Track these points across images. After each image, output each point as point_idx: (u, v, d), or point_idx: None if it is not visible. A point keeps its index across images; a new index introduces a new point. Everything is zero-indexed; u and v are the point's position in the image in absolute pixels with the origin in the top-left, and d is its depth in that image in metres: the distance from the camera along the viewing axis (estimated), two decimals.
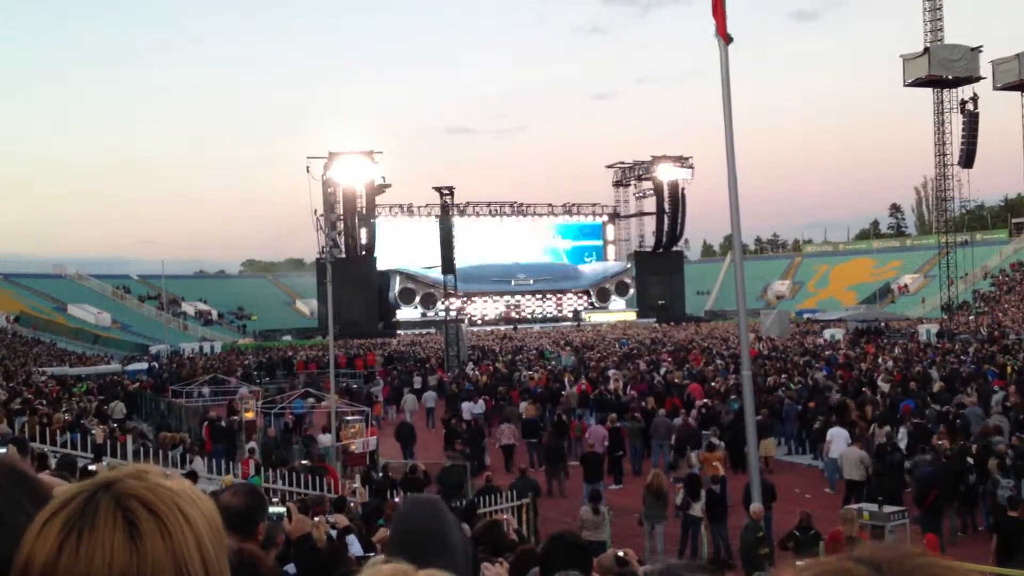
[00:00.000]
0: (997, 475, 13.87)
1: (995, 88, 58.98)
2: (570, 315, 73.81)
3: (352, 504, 11.42)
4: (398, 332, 64.45)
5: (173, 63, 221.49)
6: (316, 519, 5.97)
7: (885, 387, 23.52)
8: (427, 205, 70.01)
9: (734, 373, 26.73)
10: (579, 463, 18.19)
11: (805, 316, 66.60)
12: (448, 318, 43.34)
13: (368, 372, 39.41)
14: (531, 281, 74.19)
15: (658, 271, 76.06)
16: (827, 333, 48.27)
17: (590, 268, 79.14)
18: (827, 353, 36.29)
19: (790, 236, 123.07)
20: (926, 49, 53.32)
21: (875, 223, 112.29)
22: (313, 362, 42.40)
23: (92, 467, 8.45)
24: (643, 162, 77.73)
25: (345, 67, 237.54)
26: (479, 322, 70.04)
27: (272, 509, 3.81)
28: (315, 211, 59.32)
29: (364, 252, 65.62)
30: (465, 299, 66.41)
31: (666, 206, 75.43)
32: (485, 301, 73.28)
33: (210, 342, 61.67)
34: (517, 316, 72.56)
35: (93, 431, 17.43)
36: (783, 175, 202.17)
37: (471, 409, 25.18)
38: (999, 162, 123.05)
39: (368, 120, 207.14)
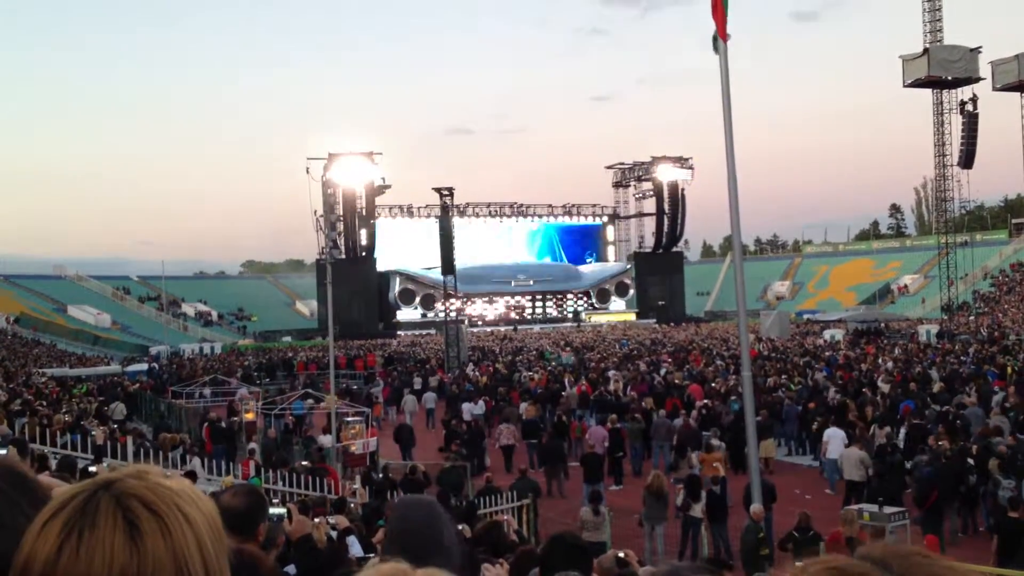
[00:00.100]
0: (998, 476, 13.87)
1: (994, 89, 58.99)
2: (570, 316, 73.82)
3: (352, 505, 11.41)
4: (398, 333, 64.46)
5: (173, 63, 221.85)
6: (316, 520, 5.97)
7: (885, 388, 23.51)
8: (427, 206, 69.98)
9: (734, 374, 26.73)
10: (579, 464, 18.19)
11: (805, 317, 66.60)
12: (448, 319, 43.33)
13: (368, 373, 39.41)
14: (531, 282, 74.19)
15: (658, 272, 76.06)
16: (827, 334, 48.27)
17: (590, 269, 79.13)
18: (827, 354, 36.28)
19: (790, 237, 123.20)
20: (925, 50, 53.32)
21: (875, 224, 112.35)
22: (313, 363, 42.40)
23: (92, 468, 8.44)
24: (643, 163, 77.74)
25: (345, 68, 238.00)
26: (479, 323, 70.03)
27: (272, 510, 3.81)
28: (315, 212, 59.37)
29: (364, 253, 65.65)
30: (465, 300, 66.40)
31: (666, 207, 75.45)
32: (485, 302, 73.27)
33: (210, 343, 61.69)
34: (517, 317, 72.54)
35: (93, 432, 17.44)
36: (783, 176, 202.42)
37: (471, 410, 25.17)
38: (999, 163, 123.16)
39: (368, 121, 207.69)
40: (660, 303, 74.95)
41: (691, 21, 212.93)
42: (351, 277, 58.30)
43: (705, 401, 23.14)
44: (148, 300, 74.67)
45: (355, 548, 6.67)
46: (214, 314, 77.29)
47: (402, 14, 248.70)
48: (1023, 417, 17.74)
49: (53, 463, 9.88)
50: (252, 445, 19.78)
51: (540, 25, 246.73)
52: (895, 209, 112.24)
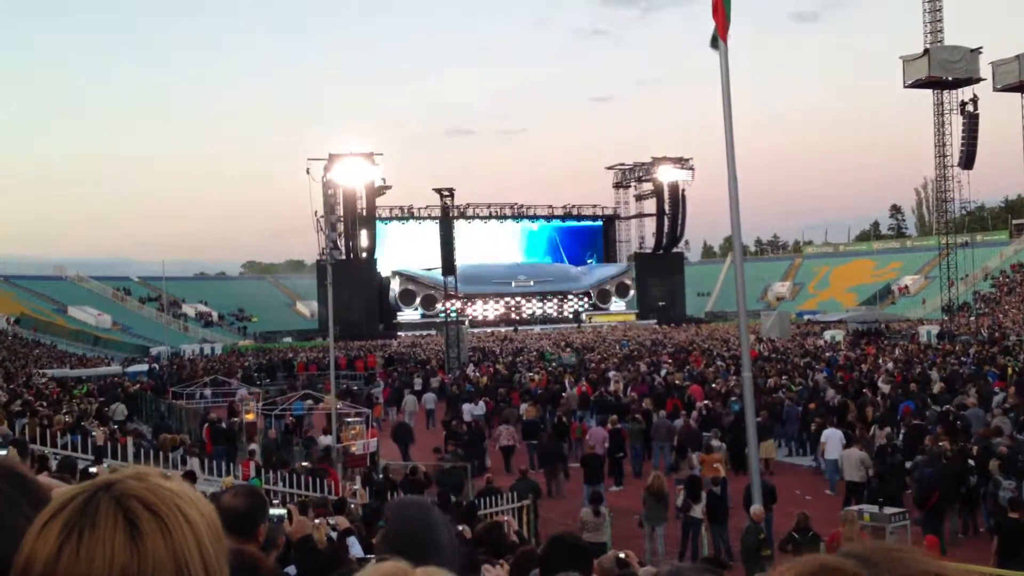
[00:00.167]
0: (998, 476, 13.86)
1: (995, 89, 58.94)
2: (570, 316, 73.82)
3: (352, 506, 11.41)
4: (398, 334, 64.48)
5: (173, 63, 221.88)
6: (316, 521, 5.97)
7: (886, 388, 23.52)
8: (427, 207, 69.99)
9: (735, 375, 26.73)
10: (580, 465, 18.19)
11: (805, 317, 66.61)
12: (448, 320, 43.34)
13: (369, 374, 39.41)
14: (531, 283, 74.19)
15: (658, 272, 76.06)
16: (827, 334, 48.28)
17: (590, 270, 79.14)
18: (827, 354, 36.30)
19: (790, 237, 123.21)
20: (926, 50, 53.28)
21: (875, 224, 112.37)
22: (313, 364, 42.41)
23: (93, 469, 8.45)
24: (643, 164, 77.74)
25: (345, 68, 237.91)
26: (480, 323, 70.04)
27: (273, 511, 3.81)
28: (315, 213, 59.20)
29: (365, 254, 65.67)
30: (466, 301, 66.43)
31: (666, 207, 75.46)
32: (486, 303, 73.28)
33: (210, 344, 61.71)
34: (517, 318, 72.56)
35: (94, 433, 17.44)
36: (783, 176, 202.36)
37: (472, 411, 25.17)
38: (999, 163, 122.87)
39: (368, 121, 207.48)
40: (660, 304, 74.95)
41: (691, 22, 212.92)
42: (352, 278, 58.31)
43: (705, 402, 23.14)
44: (148, 301, 74.70)
45: (355, 549, 6.67)
46: (214, 315, 77.32)
47: (402, 14, 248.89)
48: (1023, 418, 17.75)
49: (53, 464, 9.89)
50: (253, 446, 19.79)
51: (540, 26, 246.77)
52: (896, 210, 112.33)
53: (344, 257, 61.70)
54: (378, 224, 67.93)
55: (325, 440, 20.37)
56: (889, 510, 12.63)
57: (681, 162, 74.41)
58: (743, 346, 11.85)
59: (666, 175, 74.28)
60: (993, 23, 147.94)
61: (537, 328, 68.61)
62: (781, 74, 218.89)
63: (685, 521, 13.87)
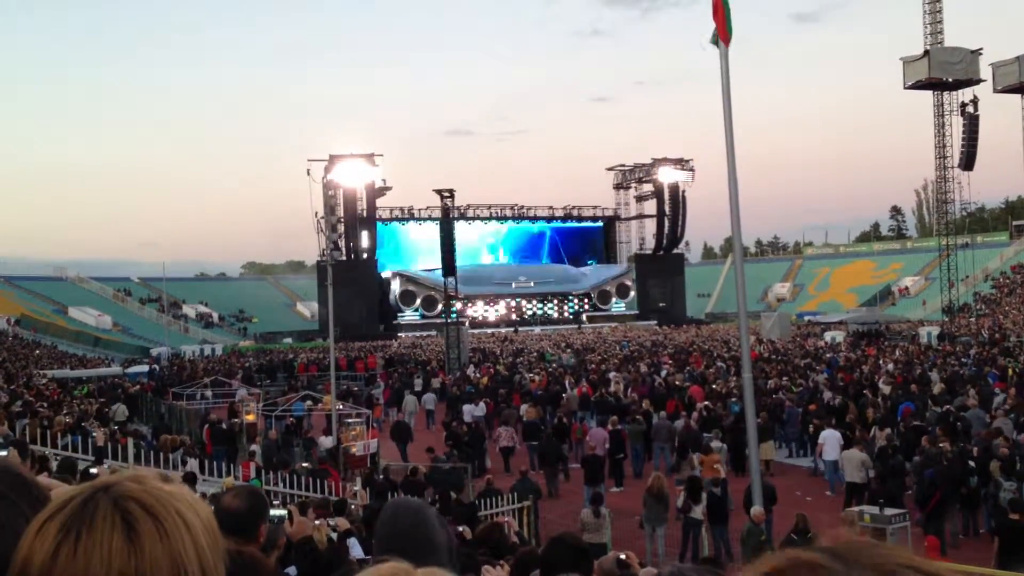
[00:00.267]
0: (999, 478, 13.86)
1: (995, 91, 58.95)
2: (571, 317, 73.80)
3: (353, 507, 11.41)
4: (399, 334, 64.48)
5: (174, 65, 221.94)
6: (317, 522, 5.96)
7: (886, 390, 23.51)
8: (428, 207, 70.00)
9: (735, 375, 26.72)
10: (580, 466, 18.19)
11: (806, 318, 66.62)
12: (449, 321, 43.35)
13: (369, 375, 39.41)
14: (532, 284, 74.16)
15: (659, 273, 76.06)
16: (828, 336, 48.29)
17: (591, 271, 79.11)
18: (828, 356, 36.29)
19: (791, 238, 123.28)
20: (926, 52, 53.29)
21: (875, 225, 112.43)
22: (314, 364, 42.42)
23: (93, 470, 8.44)
24: (643, 165, 77.72)
25: (346, 69, 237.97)
26: (480, 324, 70.04)
27: (273, 512, 3.80)
28: (315, 213, 58.90)
29: (365, 255, 65.69)
30: (466, 302, 66.42)
31: (666, 208, 75.46)
32: (486, 304, 73.28)
33: (211, 344, 61.74)
34: (518, 318, 72.56)
35: (94, 434, 17.46)
36: (783, 177, 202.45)
37: (472, 412, 25.17)
38: (999, 164, 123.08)
39: (369, 122, 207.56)
40: (661, 305, 74.95)
41: (691, 23, 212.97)
42: (352, 279, 58.32)
43: (706, 403, 23.13)
44: (149, 302, 74.72)
45: (356, 550, 6.66)
46: (215, 316, 77.35)
47: (402, 15, 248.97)
48: (1023, 419, 17.74)
49: (54, 464, 9.88)
50: (253, 447, 19.80)
51: (540, 27, 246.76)
52: (896, 211, 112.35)
53: (344, 258, 61.74)
54: (378, 225, 67.95)
55: (326, 441, 20.37)
56: (890, 511, 12.63)
57: (681, 163, 74.40)
58: (743, 347, 11.86)
59: (666, 176, 74.27)
60: (993, 24, 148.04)
61: (537, 329, 68.62)
62: (781, 75, 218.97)
63: (685, 522, 13.87)
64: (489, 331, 66.58)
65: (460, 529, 7.61)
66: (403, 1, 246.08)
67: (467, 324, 57.61)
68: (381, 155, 64.48)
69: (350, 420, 21.33)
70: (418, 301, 69.31)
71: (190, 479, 11.60)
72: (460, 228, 62.13)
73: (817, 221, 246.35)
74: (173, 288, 74.26)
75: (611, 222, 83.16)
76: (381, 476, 17.00)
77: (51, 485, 1.82)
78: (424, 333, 63.87)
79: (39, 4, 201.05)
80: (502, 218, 78.54)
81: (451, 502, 12.44)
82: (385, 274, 69.79)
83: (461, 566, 4.05)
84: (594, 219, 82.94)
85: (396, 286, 69.62)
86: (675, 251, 78.63)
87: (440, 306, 59.25)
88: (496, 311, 73.76)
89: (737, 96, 10.95)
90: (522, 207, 79.07)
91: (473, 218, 75.71)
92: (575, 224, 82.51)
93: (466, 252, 68.26)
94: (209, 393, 32.94)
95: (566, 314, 74.56)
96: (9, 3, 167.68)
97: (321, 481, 14.62)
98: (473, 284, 67.72)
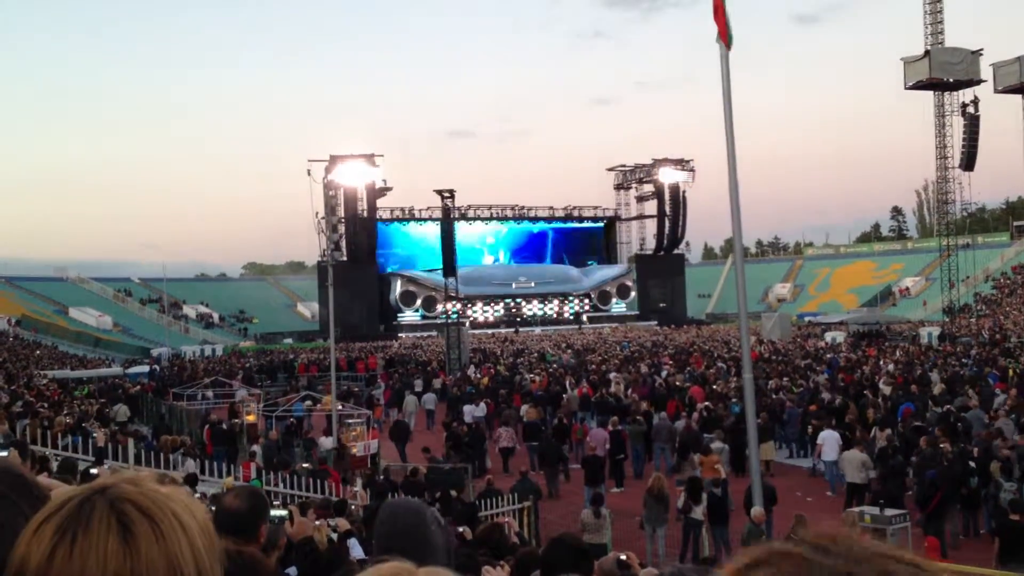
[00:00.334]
0: (999, 478, 13.85)
1: (996, 91, 58.96)
2: (571, 318, 73.79)
3: (354, 507, 11.41)
4: (399, 335, 64.49)
5: (174, 65, 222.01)
6: (317, 522, 5.96)
7: (886, 390, 23.50)
8: (428, 208, 70.01)
9: (735, 376, 26.72)
10: (580, 466, 18.18)
11: (806, 319, 66.56)
12: (449, 321, 43.33)
13: (369, 375, 39.42)
14: (532, 284, 74.13)
15: (659, 274, 76.05)
16: (828, 336, 48.25)
17: (591, 271, 79.11)
18: (828, 356, 36.27)
19: (791, 239, 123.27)
20: (927, 52, 53.29)
21: (876, 226, 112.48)
22: (314, 365, 42.41)
23: (94, 470, 8.44)
24: (644, 165, 77.71)
25: (346, 69, 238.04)
26: (480, 325, 70.03)
27: (274, 512, 3.80)
28: (316, 214, 58.96)
29: (366, 255, 65.70)
30: (466, 302, 66.39)
31: (667, 209, 75.45)
32: (486, 304, 73.25)
33: (211, 345, 61.72)
34: (518, 319, 72.54)
35: (95, 434, 17.45)
36: (784, 178, 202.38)
37: (472, 412, 25.16)
38: (1000, 165, 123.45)
39: (369, 123, 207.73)
40: (661, 305, 74.93)
41: (692, 24, 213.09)
42: (352, 279, 58.31)
43: (706, 403, 23.12)
44: (149, 302, 74.73)
45: (356, 550, 6.66)
46: (215, 316, 77.33)
47: (403, 15, 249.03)
48: None
49: (54, 465, 9.88)
50: (254, 447, 19.79)
51: (541, 28, 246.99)
52: (896, 211, 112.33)
53: (345, 258, 61.72)
54: (379, 225, 67.96)
55: (326, 442, 20.37)
56: (890, 512, 12.62)
57: (682, 164, 74.39)
58: (744, 348, 11.85)
59: (667, 176, 74.27)
60: (994, 25, 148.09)
61: (538, 329, 68.60)
62: (782, 76, 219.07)
63: (686, 523, 13.86)
64: (489, 331, 66.55)
65: (460, 529, 7.61)
66: (404, 2, 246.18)
67: (467, 324, 57.60)
68: (382, 155, 64.52)
69: (350, 421, 21.33)
70: (418, 301, 69.31)
71: (191, 480, 11.60)
72: (460, 228, 62.40)
73: (817, 221, 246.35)
74: (173, 288, 74.27)
75: (611, 222, 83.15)
76: (382, 477, 17.01)
77: (51, 485, 1.82)
78: (424, 334, 63.85)
79: (39, 4, 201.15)
80: (503, 218, 78.49)
81: (452, 502, 12.44)
82: (385, 274, 69.80)
83: (462, 566, 4.05)
84: (594, 219, 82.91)
85: (396, 286, 69.62)
86: (675, 251, 78.61)
87: (440, 306, 59.26)
88: (496, 312, 73.76)
89: (737, 97, 10.95)
90: (522, 207, 79.04)
91: (473, 218, 75.66)
92: (575, 224, 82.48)
93: (466, 252, 68.34)
94: (210, 393, 32.95)
95: (566, 315, 74.51)
96: (9, 3, 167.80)
97: (321, 482, 14.62)
98: (473, 284, 67.70)
